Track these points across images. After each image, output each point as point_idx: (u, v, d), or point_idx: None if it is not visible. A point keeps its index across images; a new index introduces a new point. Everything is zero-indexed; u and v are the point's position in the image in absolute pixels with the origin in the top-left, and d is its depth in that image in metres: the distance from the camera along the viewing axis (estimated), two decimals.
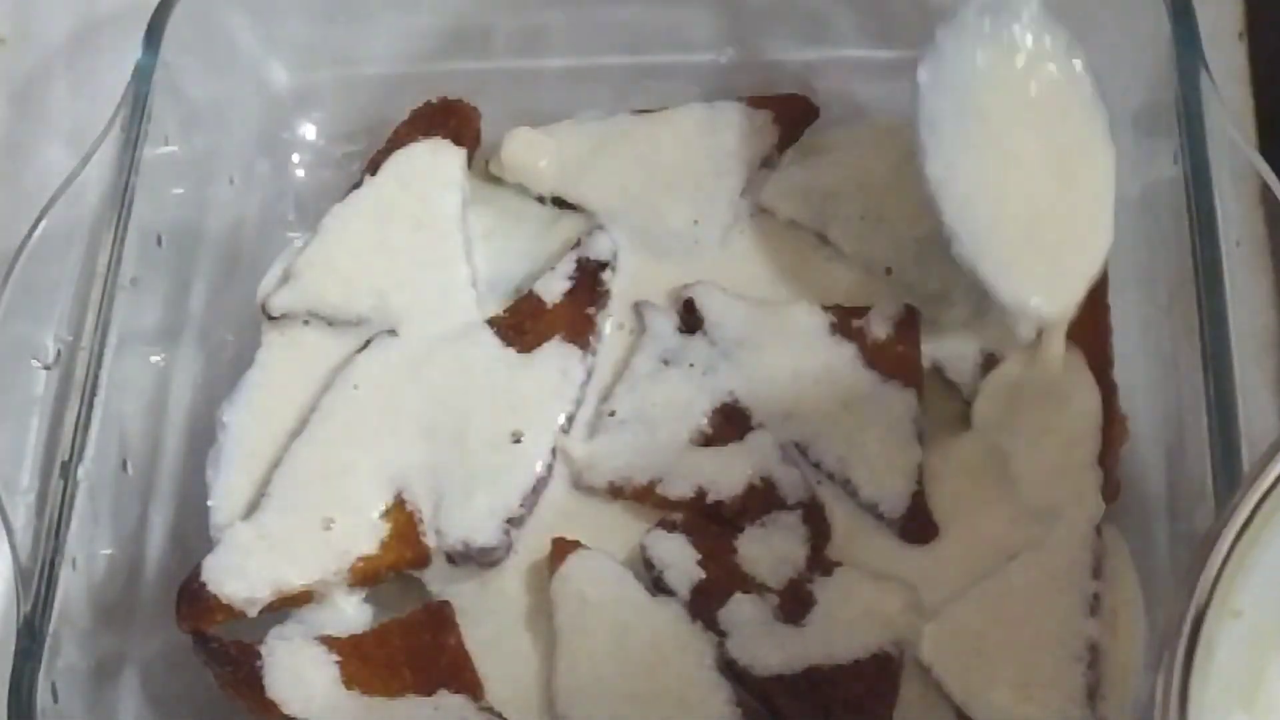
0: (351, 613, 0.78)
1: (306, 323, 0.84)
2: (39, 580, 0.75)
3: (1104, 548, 0.75)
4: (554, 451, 0.80)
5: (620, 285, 0.85)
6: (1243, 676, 0.59)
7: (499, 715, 0.75)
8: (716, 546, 0.77)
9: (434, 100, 0.88)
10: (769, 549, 0.77)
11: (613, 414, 0.81)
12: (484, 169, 0.88)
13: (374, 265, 0.84)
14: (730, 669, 0.74)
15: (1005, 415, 0.79)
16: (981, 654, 0.73)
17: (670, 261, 0.85)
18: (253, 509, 0.79)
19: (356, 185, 0.87)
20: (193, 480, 0.82)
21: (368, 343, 0.83)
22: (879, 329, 0.81)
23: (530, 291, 0.84)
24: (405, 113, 0.88)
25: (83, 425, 0.78)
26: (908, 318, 0.81)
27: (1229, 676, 0.58)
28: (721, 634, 0.75)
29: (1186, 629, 0.57)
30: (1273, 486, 0.58)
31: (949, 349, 0.81)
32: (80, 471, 0.77)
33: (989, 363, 0.80)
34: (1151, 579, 0.76)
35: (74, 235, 0.84)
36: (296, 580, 0.77)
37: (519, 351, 0.82)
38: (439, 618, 0.77)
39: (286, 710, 0.75)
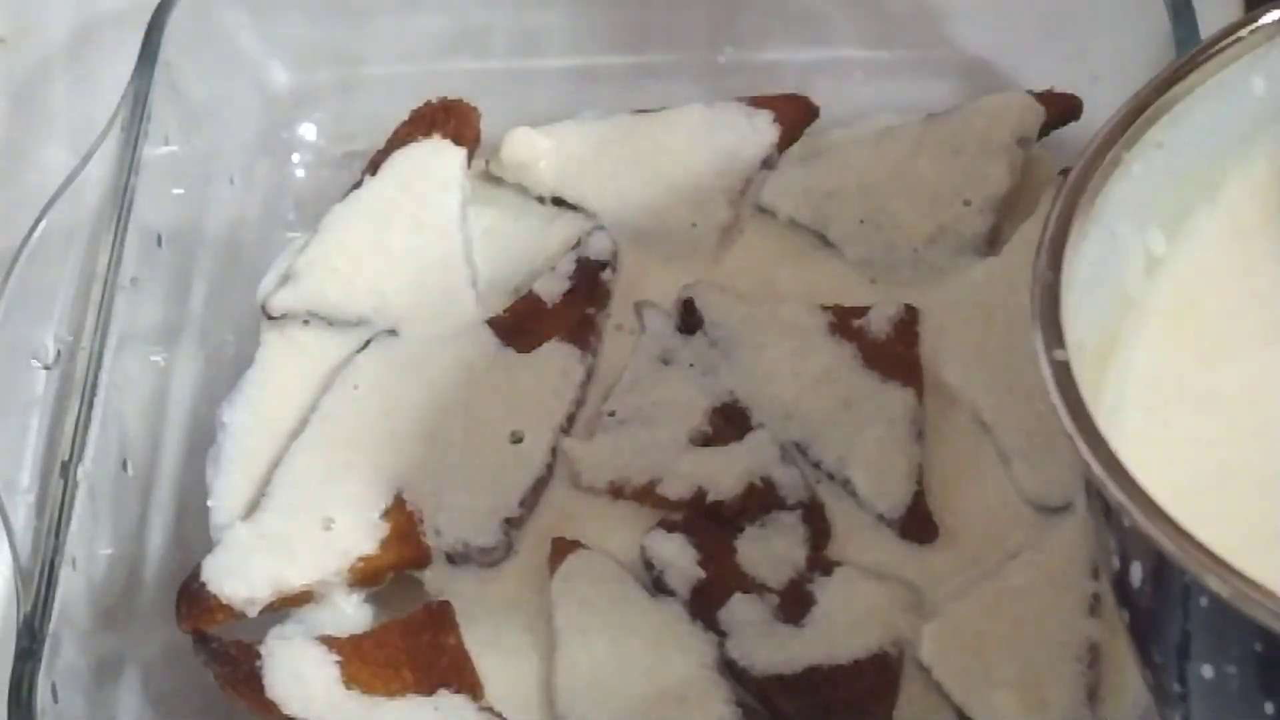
0: (351, 613, 0.78)
1: (306, 323, 0.84)
2: (39, 580, 0.75)
3: None
4: (554, 451, 0.80)
5: (620, 285, 0.85)
6: (1163, 203, 0.60)
7: (499, 715, 0.75)
8: (716, 546, 0.77)
9: (434, 100, 0.88)
10: (769, 549, 0.77)
11: (612, 414, 0.81)
12: (484, 169, 0.88)
13: (374, 265, 0.84)
14: (730, 669, 0.74)
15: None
16: (981, 654, 0.73)
17: (670, 261, 0.85)
18: (253, 509, 0.79)
19: (356, 185, 0.87)
20: (193, 480, 0.82)
21: (368, 343, 0.83)
22: (878, 329, 0.81)
23: (530, 291, 0.84)
24: (405, 113, 0.88)
25: (83, 425, 0.78)
26: (908, 318, 0.81)
27: (1148, 198, 0.59)
28: (721, 634, 0.75)
29: (1097, 141, 0.58)
30: (1219, 47, 0.59)
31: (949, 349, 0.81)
32: (80, 471, 0.77)
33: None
34: None
35: (74, 235, 0.84)
36: (296, 580, 0.77)
37: (519, 351, 0.82)
38: (439, 618, 0.77)
39: (286, 710, 0.75)
